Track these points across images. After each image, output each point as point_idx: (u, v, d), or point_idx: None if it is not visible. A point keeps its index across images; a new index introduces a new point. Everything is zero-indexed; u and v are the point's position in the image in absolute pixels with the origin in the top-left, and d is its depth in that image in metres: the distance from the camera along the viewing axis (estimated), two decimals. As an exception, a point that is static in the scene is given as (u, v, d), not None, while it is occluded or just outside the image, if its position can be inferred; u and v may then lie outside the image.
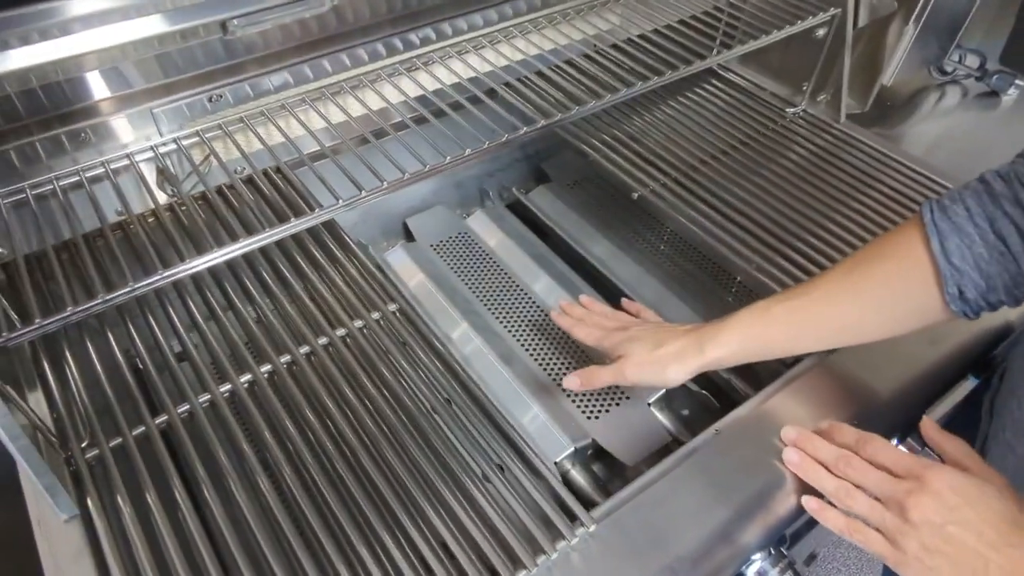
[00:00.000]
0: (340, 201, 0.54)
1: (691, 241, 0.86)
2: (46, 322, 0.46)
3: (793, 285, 0.58)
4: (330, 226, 0.64)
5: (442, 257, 0.85)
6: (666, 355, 0.57)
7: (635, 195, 0.78)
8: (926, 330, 0.53)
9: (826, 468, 0.51)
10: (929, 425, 0.53)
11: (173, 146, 0.59)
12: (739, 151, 0.84)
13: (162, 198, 0.60)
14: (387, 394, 0.54)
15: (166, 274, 0.49)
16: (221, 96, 0.59)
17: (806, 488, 0.51)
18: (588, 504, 0.64)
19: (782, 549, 0.53)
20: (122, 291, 0.47)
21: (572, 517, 0.49)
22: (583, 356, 0.74)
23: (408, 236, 0.90)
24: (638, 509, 0.50)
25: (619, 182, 0.80)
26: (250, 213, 0.59)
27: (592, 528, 0.48)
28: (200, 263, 0.50)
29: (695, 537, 0.48)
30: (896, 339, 0.57)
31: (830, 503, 0.50)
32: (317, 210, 0.55)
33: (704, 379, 0.74)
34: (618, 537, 0.48)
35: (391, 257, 0.85)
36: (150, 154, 0.58)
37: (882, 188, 0.78)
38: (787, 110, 0.89)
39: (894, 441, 0.58)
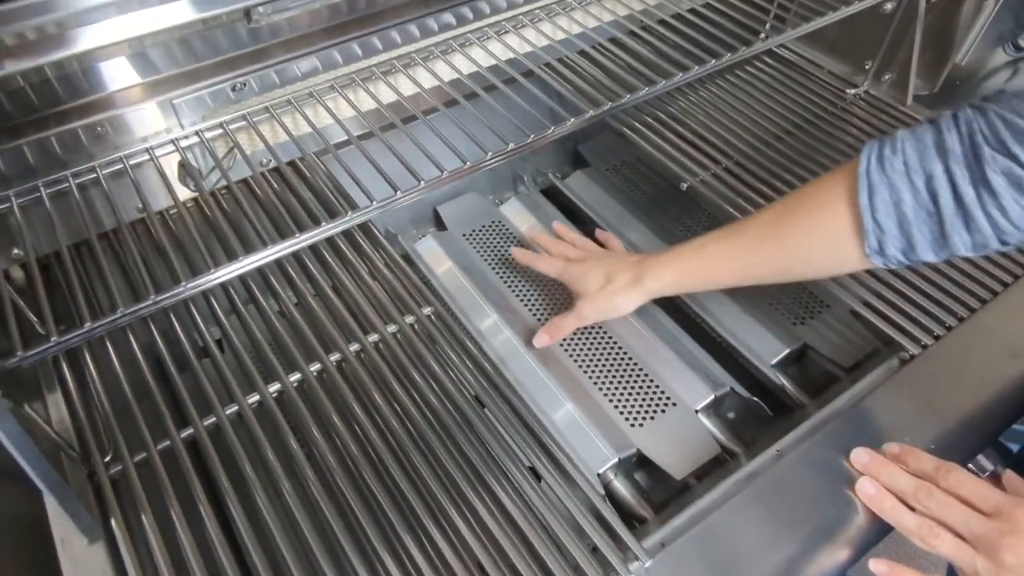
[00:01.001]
0: (375, 203, 0.50)
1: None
2: (65, 339, 0.43)
3: (734, 219, 0.60)
4: (365, 228, 0.59)
5: (475, 247, 0.81)
6: (614, 289, 0.62)
7: (684, 186, 0.73)
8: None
9: (903, 499, 0.47)
10: None
11: (195, 139, 0.55)
12: (795, 136, 0.78)
13: (184, 194, 0.57)
14: (421, 403, 0.51)
15: (194, 284, 0.46)
16: (245, 84, 0.55)
17: (876, 515, 0.47)
18: (632, 518, 0.62)
19: None
20: (147, 303, 0.44)
21: (623, 547, 0.46)
22: (624, 358, 0.70)
23: (439, 224, 0.86)
24: (695, 543, 0.46)
25: (665, 170, 0.75)
26: (280, 212, 0.55)
27: (648, 564, 0.45)
28: (230, 271, 0.47)
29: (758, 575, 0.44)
30: (973, 353, 0.53)
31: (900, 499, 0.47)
32: (351, 212, 0.51)
33: (757, 384, 0.70)
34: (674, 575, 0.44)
35: (421, 247, 0.81)
36: (171, 148, 0.55)
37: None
38: (848, 91, 0.82)
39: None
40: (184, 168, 0.55)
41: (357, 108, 0.58)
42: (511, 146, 0.54)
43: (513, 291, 0.76)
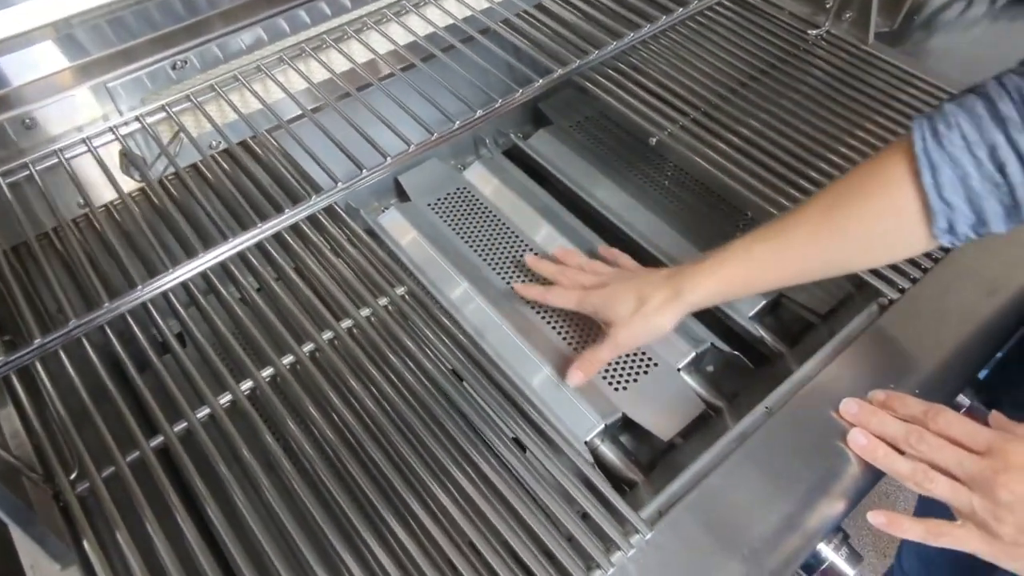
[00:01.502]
0: (339, 184, 0.47)
1: (707, 182, 0.79)
2: (14, 358, 0.39)
3: (775, 216, 0.54)
4: (330, 210, 0.56)
5: (441, 216, 0.78)
6: (650, 310, 0.55)
7: (652, 140, 0.71)
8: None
9: (894, 445, 0.47)
10: None
11: (136, 125, 0.51)
12: (759, 81, 0.77)
13: (130, 185, 0.53)
14: (400, 385, 0.49)
15: (152, 286, 0.43)
16: (186, 62, 0.50)
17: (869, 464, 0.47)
18: (622, 482, 0.61)
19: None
20: (101, 311, 0.41)
21: (621, 519, 0.45)
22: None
23: (401, 194, 0.83)
24: (693, 509, 0.46)
25: (631, 124, 0.73)
26: (236, 199, 0.51)
27: (648, 536, 0.44)
28: (189, 269, 0.43)
29: (759, 537, 0.44)
30: (950, 294, 0.53)
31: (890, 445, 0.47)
32: (315, 196, 0.47)
33: (735, 337, 0.70)
34: (677, 544, 0.44)
35: (385, 220, 0.78)
36: (110, 136, 0.50)
37: (913, 115, 0.72)
38: (809, 32, 0.81)
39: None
40: (126, 157, 0.51)
41: (309, 80, 0.54)
42: (479, 113, 0.51)
43: (484, 260, 0.74)
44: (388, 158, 0.49)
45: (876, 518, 0.46)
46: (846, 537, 0.51)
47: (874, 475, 0.48)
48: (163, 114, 0.51)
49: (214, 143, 0.56)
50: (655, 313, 0.55)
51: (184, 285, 0.50)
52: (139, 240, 0.49)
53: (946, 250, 0.60)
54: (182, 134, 0.50)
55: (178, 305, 0.52)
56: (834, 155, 0.68)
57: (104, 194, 0.53)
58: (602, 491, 0.45)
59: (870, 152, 0.69)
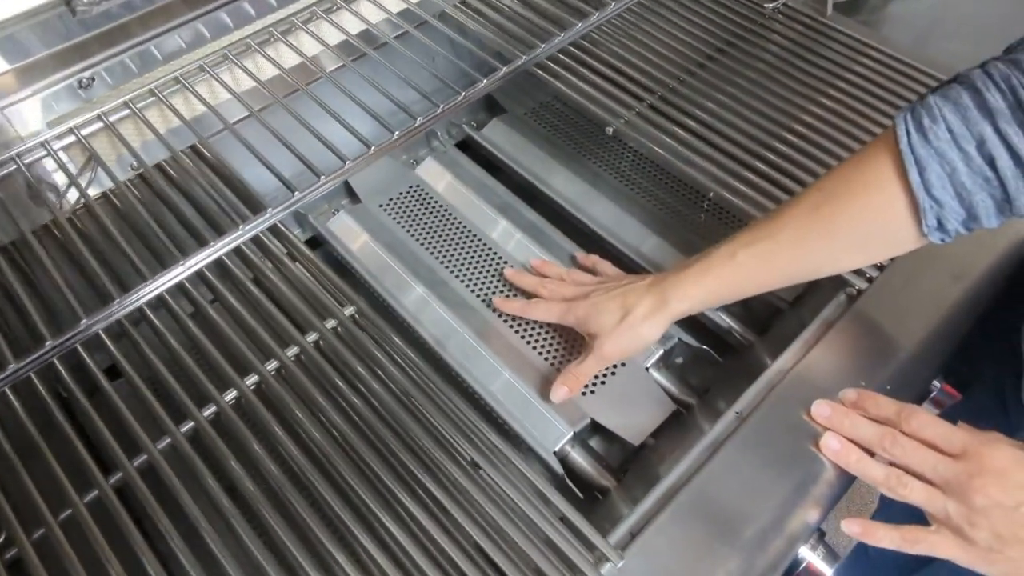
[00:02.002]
0: (294, 194, 0.43)
1: (667, 168, 0.77)
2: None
3: (757, 219, 0.53)
4: (274, 229, 0.52)
5: (394, 218, 0.75)
6: (636, 320, 0.54)
7: (610, 130, 0.68)
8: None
9: (867, 448, 0.46)
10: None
11: (41, 152, 0.47)
12: (717, 61, 0.74)
13: (43, 217, 0.48)
14: (357, 408, 0.46)
15: (61, 342, 0.39)
16: (93, 79, 0.46)
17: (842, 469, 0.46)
18: (594, 489, 0.60)
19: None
20: (7, 372, 0.37)
21: (590, 546, 0.43)
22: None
23: (352, 195, 0.79)
24: (666, 530, 0.44)
25: (589, 113, 0.70)
26: (159, 230, 0.47)
27: (620, 564, 0.42)
28: (106, 317, 0.40)
29: (735, 555, 0.43)
30: (918, 281, 0.52)
31: (864, 449, 0.46)
32: (260, 215, 0.44)
33: (701, 329, 0.68)
34: (649, 572, 0.42)
35: (335, 225, 0.74)
36: (12, 167, 0.46)
37: (872, 88, 0.70)
38: (766, 5, 0.78)
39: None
40: (31, 189, 0.47)
41: (232, 91, 0.50)
42: (441, 108, 0.47)
43: (441, 262, 0.71)
44: (347, 161, 0.45)
45: (850, 527, 0.45)
46: (822, 535, 0.50)
47: (849, 479, 0.47)
48: (72, 138, 0.47)
49: (134, 165, 0.51)
50: (641, 324, 0.54)
51: (118, 322, 0.46)
52: (47, 287, 0.45)
53: (911, 234, 0.58)
54: (94, 161, 0.46)
55: (114, 350, 0.48)
56: (791, 134, 0.67)
57: (6, 232, 0.48)
58: (571, 519, 0.43)
59: (826, 128, 0.67)
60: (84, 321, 0.41)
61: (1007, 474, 0.41)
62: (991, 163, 0.41)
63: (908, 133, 0.43)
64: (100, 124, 0.48)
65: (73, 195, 0.48)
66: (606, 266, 0.65)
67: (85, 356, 0.45)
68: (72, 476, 0.44)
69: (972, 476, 0.41)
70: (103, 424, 0.44)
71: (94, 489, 0.44)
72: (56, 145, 0.46)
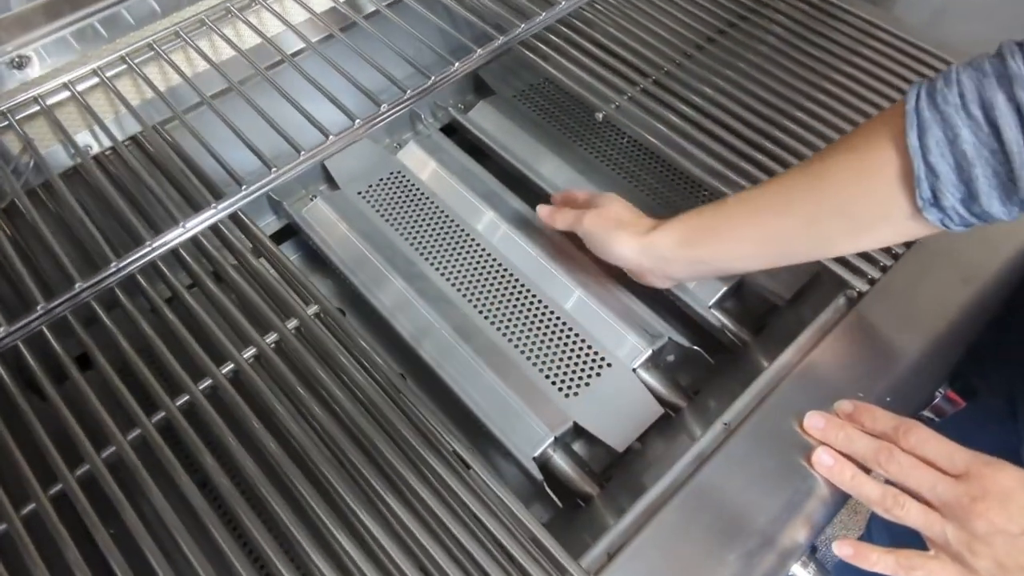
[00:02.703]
0: (244, 188, 0.40)
1: (663, 157, 0.73)
2: None
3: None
4: (235, 219, 0.49)
5: (374, 206, 0.71)
6: (625, 222, 0.56)
7: (600, 116, 0.64)
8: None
9: (862, 464, 0.43)
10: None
11: (-27, 136, 0.43)
12: (716, 43, 0.70)
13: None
14: (324, 409, 0.43)
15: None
16: (29, 58, 0.42)
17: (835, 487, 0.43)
18: (576, 496, 0.57)
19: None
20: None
21: (561, 569, 0.40)
22: (552, 319, 0.63)
23: (330, 181, 0.75)
24: (645, 551, 0.41)
25: (579, 97, 0.66)
26: (118, 213, 0.44)
27: (593, 589, 0.39)
28: (64, 301, 0.36)
29: (717, 580, 0.40)
30: (923, 284, 0.48)
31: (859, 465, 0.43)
32: (214, 204, 0.40)
33: (694, 327, 0.65)
34: (625, 598, 0.39)
35: (310, 214, 0.71)
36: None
37: (881, 73, 0.66)
38: (770, -17, 0.74)
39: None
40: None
41: (211, 60, 0.46)
42: (408, 93, 0.44)
43: (422, 255, 0.67)
44: (301, 152, 0.41)
45: (842, 549, 0.42)
46: (814, 551, 0.47)
47: (843, 497, 0.43)
48: (4, 122, 0.43)
49: (88, 147, 0.48)
50: (623, 227, 0.55)
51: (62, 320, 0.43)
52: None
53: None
54: (30, 149, 0.42)
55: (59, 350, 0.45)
56: (793, 123, 0.63)
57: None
58: (541, 540, 0.40)
59: (830, 116, 0.63)
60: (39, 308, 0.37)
61: (1012, 498, 0.37)
62: (997, 132, 0.37)
63: (918, 96, 0.39)
64: (37, 107, 0.44)
65: (13, 181, 0.45)
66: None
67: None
68: (36, 468, 0.42)
69: (974, 499, 0.38)
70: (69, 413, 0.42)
71: (59, 483, 0.41)
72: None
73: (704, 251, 0.51)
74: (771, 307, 0.65)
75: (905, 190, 0.40)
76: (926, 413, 0.54)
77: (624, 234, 0.55)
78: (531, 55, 0.67)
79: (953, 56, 0.66)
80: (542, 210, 0.62)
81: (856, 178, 0.43)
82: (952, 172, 0.38)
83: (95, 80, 0.46)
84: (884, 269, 0.53)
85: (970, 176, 0.38)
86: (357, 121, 0.42)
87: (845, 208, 0.44)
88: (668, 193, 0.72)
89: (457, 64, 0.45)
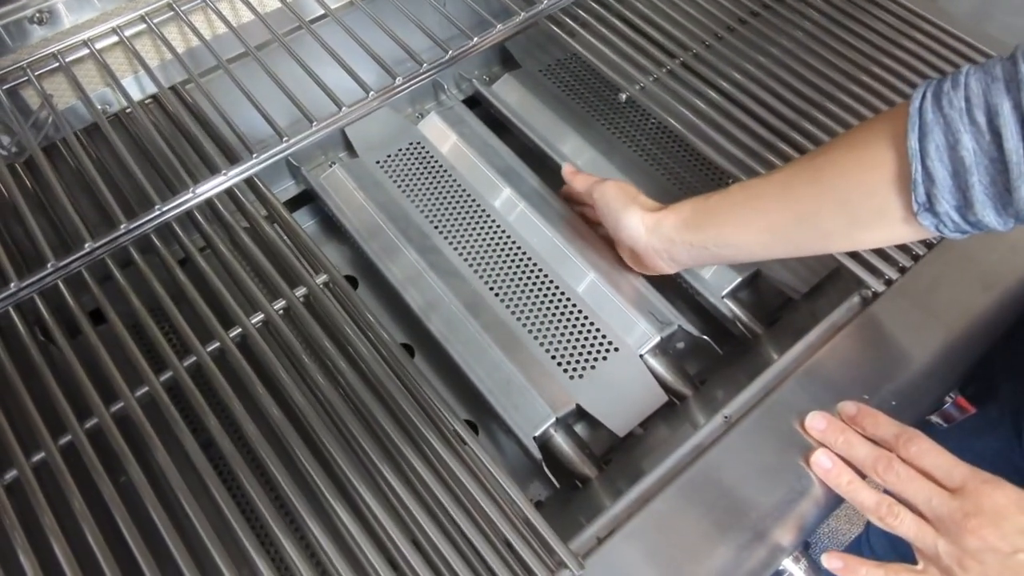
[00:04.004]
0: (254, 156, 0.40)
1: (686, 142, 0.72)
2: None
3: None
4: (251, 183, 0.49)
5: (391, 176, 0.71)
6: (637, 198, 0.57)
7: (623, 96, 0.63)
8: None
9: (859, 469, 0.42)
10: None
11: (-4, 90, 0.44)
12: (749, 25, 0.68)
13: None
14: (333, 375, 0.44)
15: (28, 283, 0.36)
16: (51, 13, 0.42)
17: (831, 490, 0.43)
18: (575, 477, 0.57)
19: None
20: None
21: (550, 550, 0.40)
22: (562, 301, 0.63)
23: (349, 149, 0.75)
24: (634, 538, 0.41)
25: (605, 76, 0.65)
26: (133, 173, 0.44)
27: (579, 573, 0.40)
28: (80, 257, 0.37)
29: (706, 573, 0.40)
30: (941, 288, 0.47)
31: (855, 471, 0.43)
32: (229, 168, 0.40)
33: (706, 316, 0.64)
34: (611, 582, 0.40)
35: (328, 180, 0.71)
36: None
37: (922, 68, 0.64)
38: (809, -34, 0.71)
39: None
40: (-5, 124, 0.44)
41: (230, 23, 0.46)
42: (450, 53, 0.44)
43: (437, 228, 0.67)
44: (342, 108, 0.41)
45: (831, 562, 0.42)
46: (807, 547, 0.47)
47: (837, 500, 0.43)
48: (24, 77, 0.43)
49: (105, 107, 0.48)
50: (636, 202, 0.56)
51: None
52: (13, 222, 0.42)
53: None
54: (48, 104, 0.42)
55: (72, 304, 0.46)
56: (824, 115, 0.61)
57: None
58: (532, 521, 0.41)
59: (864, 110, 0.61)
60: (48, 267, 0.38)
61: (1006, 517, 0.37)
62: (997, 139, 0.36)
63: (923, 97, 0.38)
64: (56, 63, 0.44)
65: (34, 136, 0.45)
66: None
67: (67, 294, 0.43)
68: (47, 418, 0.43)
69: (968, 515, 0.37)
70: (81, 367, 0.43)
71: (68, 434, 0.43)
72: (5, 87, 0.43)
73: (706, 235, 0.52)
74: (785, 300, 0.64)
75: (902, 192, 0.40)
76: (934, 418, 0.54)
77: (636, 208, 0.56)
78: (557, 30, 0.66)
79: (1001, 51, 0.64)
80: (567, 167, 0.64)
81: (856, 175, 0.42)
82: (949, 178, 0.38)
83: (114, 38, 0.46)
84: (903, 270, 0.51)
85: (966, 183, 0.37)
86: (372, 93, 0.42)
87: (844, 204, 0.43)
88: (690, 179, 0.71)
89: (476, 39, 0.44)
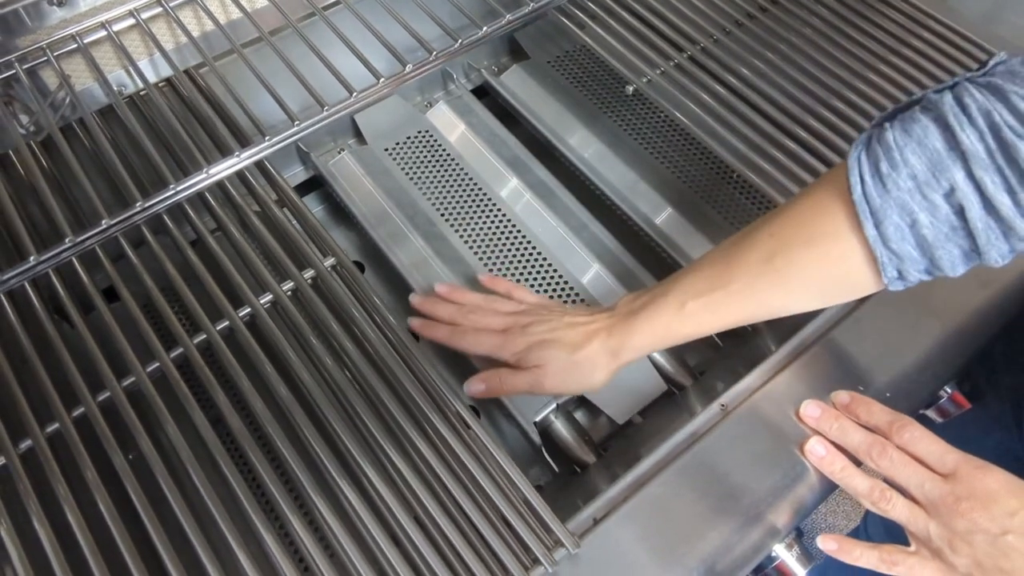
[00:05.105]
0: (267, 138, 0.41)
1: (693, 137, 0.72)
2: None
3: (710, 253, 0.48)
4: (261, 167, 0.50)
5: (399, 164, 0.72)
6: (585, 360, 0.49)
7: (629, 89, 0.64)
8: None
9: (854, 455, 0.43)
10: None
11: (12, 71, 0.44)
12: (757, 20, 0.69)
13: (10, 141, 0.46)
14: (337, 357, 0.45)
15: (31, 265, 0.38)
16: (67, -3, 0.43)
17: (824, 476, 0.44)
18: (574, 463, 0.58)
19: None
20: None
21: (548, 529, 0.42)
22: (567, 291, 0.63)
23: (358, 136, 0.76)
24: (628, 520, 0.42)
25: (613, 68, 0.66)
26: (147, 153, 0.45)
27: (575, 551, 0.41)
28: (95, 234, 0.38)
29: (698, 555, 0.41)
30: (939, 284, 0.48)
31: (850, 457, 0.44)
32: (240, 151, 0.41)
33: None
34: (606, 561, 0.41)
35: (336, 167, 0.72)
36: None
37: (929, 67, 0.64)
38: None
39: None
40: (14, 103, 0.45)
41: (244, 8, 0.47)
42: (459, 43, 0.44)
43: (443, 216, 0.68)
44: (353, 94, 0.42)
45: (826, 544, 0.43)
46: (800, 534, 0.48)
47: (830, 486, 0.44)
48: (43, 57, 0.44)
49: (121, 88, 0.49)
50: (591, 368, 0.50)
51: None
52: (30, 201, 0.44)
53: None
54: (66, 85, 0.44)
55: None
56: (830, 112, 0.62)
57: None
58: (531, 500, 0.42)
59: (871, 108, 0.62)
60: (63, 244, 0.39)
61: (996, 499, 0.38)
62: (959, 213, 0.36)
63: (863, 182, 0.38)
64: (74, 44, 0.45)
65: (50, 117, 0.46)
66: (522, 292, 0.58)
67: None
68: (60, 391, 0.44)
69: (959, 499, 0.39)
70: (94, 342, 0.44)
71: (81, 406, 0.44)
72: (25, 66, 0.44)
73: (675, 342, 0.49)
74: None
75: (870, 272, 0.40)
76: (929, 414, 0.54)
77: (598, 372, 0.50)
78: (567, 21, 0.67)
79: (1008, 53, 0.64)
80: (430, 329, 0.54)
81: (823, 271, 0.42)
82: (915, 251, 0.38)
83: (131, 21, 0.47)
84: (901, 266, 0.52)
85: (934, 256, 0.38)
86: (382, 80, 0.43)
87: (814, 296, 0.44)
88: (695, 173, 0.72)
89: (485, 28, 0.45)
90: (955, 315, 0.50)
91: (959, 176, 0.35)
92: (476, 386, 0.52)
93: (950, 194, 0.36)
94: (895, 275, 0.40)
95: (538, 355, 0.50)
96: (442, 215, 0.68)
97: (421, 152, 0.73)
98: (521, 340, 0.50)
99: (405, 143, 0.73)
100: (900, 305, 0.50)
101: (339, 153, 0.73)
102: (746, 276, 0.44)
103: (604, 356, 0.49)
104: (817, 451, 0.44)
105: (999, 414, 0.61)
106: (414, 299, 0.56)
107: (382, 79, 0.42)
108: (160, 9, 0.45)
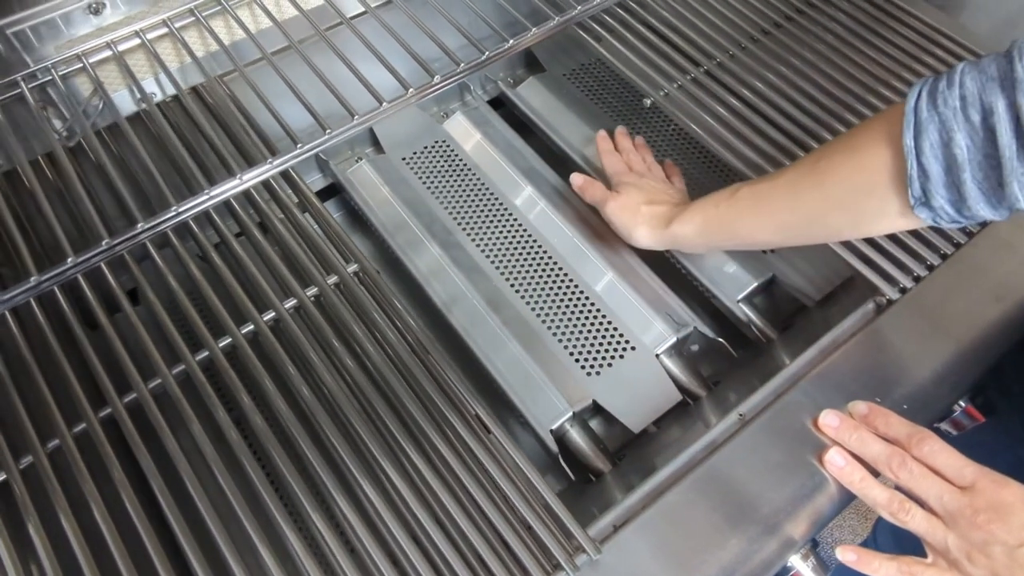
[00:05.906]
0: (299, 146, 0.42)
1: (708, 149, 0.73)
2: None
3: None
4: (286, 175, 0.51)
5: (416, 173, 0.73)
6: (645, 214, 0.59)
7: (647, 102, 0.65)
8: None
9: (873, 466, 0.44)
10: None
11: (48, 76, 0.45)
12: (772, 36, 0.70)
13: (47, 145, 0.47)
14: (356, 365, 0.45)
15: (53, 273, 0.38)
16: (105, 4, 0.44)
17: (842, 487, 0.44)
18: (589, 471, 0.59)
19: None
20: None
21: (569, 535, 0.42)
22: (581, 299, 0.64)
23: (376, 145, 0.77)
24: (649, 527, 0.43)
25: (629, 81, 0.67)
26: (177, 158, 0.46)
27: (596, 557, 0.41)
28: (123, 240, 0.39)
29: (716, 563, 0.41)
30: (955, 298, 0.48)
31: (868, 468, 0.44)
32: (269, 159, 0.42)
33: (721, 319, 0.65)
34: (625, 569, 0.41)
35: (355, 175, 0.72)
36: (16, 90, 0.45)
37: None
38: (835, -21, 0.73)
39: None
40: (49, 108, 0.46)
41: (274, 18, 0.48)
42: (462, 66, 0.45)
43: (460, 225, 0.69)
44: (356, 116, 0.43)
45: (846, 555, 0.43)
46: (815, 545, 0.48)
47: (849, 497, 0.44)
48: (79, 64, 0.45)
49: (153, 93, 0.50)
50: (644, 220, 0.59)
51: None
52: (58, 206, 0.44)
53: (957, 244, 0.54)
54: (100, 91, 0.44)
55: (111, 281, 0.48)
56: (845, 127, 0.62)
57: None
58: (553, 507, 0.42)
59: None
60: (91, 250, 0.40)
61: (1013, 512, 0.38)
62: (992, 137, 0.37)
63: (919, 96, 0.40)
64: (109, 52, 0.46)
65: (83, 123, 0.47)
66: (679, 180, 0.68)
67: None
68: (88, 392, 0.45)
69: (977, 511, 0.39)
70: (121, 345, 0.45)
71: (108, 407, 0.44)
72: (62, 71, 0.45)
73: (719, 239, 0.56)
74: (800, 307, 0.65)
75: (899, 189, 0.41)
76: (943, 427, 0.55)
77: (644, 227, 0.59)
78: (585, 36, 0.67)
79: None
80: (576, 179, 0.66)
81: (856, 178, 0.44)
82: (943, 174, 0.39)
83: (164, 30, 0.48)
84: (917, 279, 0.53)
85: (959, 179, 0.38)
86: (410, 90, 0.43)
87: (847, 205, 0.46)
88: (711, 185, 0.72)
89: (512, 41, 0.46)
90: (970, 328, 0.50)
91: (1001, 103, 0.36)
92: (577, 178, 0.65)
93: (988, 116, 0.36)
94: (920, 195, 0.40)
95: (624, 188, 0.62)
96: (458, 224, 0.69)
97: (438, 161, 0.74)
98: (629, 177, 0.64)
99: (422, 152, 0.74)
100: (917, 318, 0.51)
101: (357, 162, 0.74)
102: (793, 173, 0.49)
103: (660, 221, 0.58)
104: (836, 461, 0.44)
105: (1012, 429, 0.61)
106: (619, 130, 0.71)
107: (411, 89, 0.43)
108: (192, 18, 0.46)
